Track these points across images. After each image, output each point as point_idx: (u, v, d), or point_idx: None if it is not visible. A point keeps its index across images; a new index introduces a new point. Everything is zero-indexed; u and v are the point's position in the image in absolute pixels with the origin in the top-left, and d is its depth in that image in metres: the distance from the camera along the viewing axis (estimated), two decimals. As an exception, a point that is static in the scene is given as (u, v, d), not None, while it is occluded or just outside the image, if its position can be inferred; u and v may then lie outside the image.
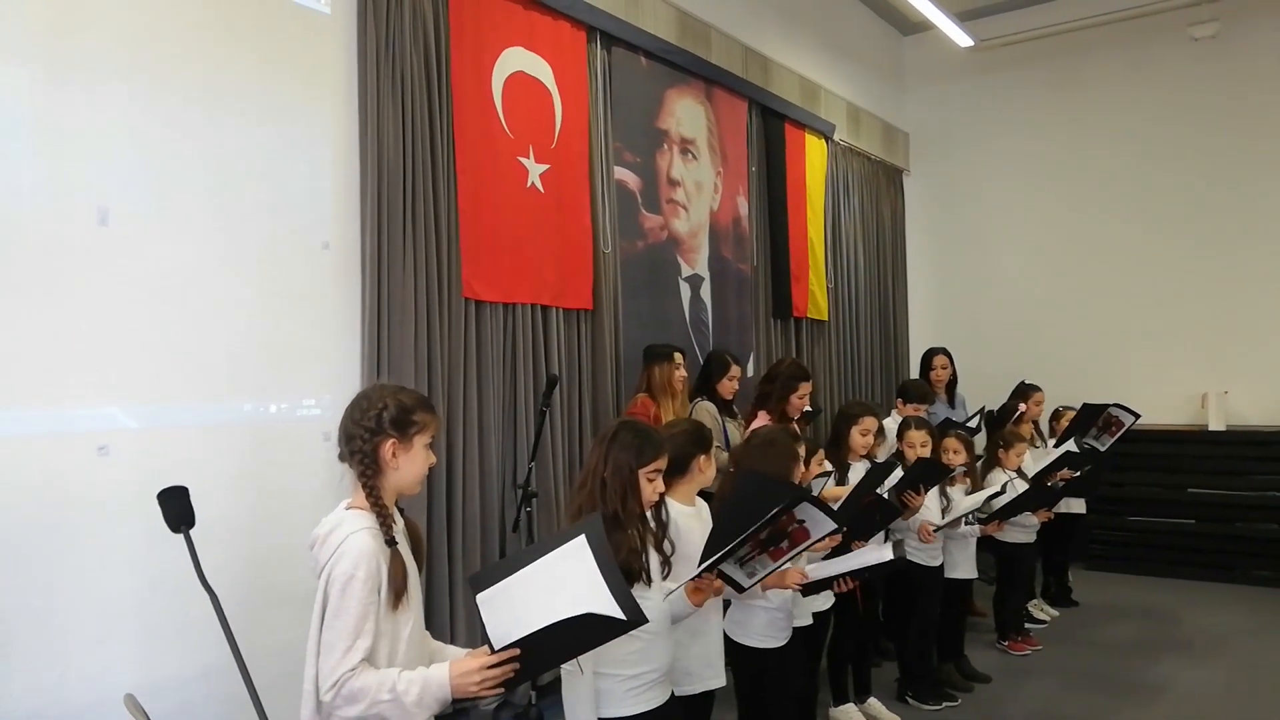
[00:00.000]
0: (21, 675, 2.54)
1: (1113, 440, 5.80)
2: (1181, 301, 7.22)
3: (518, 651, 1.80)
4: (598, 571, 1.78)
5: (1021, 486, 4.69)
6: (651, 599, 2.32)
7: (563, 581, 1.80)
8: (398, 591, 1.89)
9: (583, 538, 1.82)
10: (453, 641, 3.27)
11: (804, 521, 2.46)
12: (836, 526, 2.50)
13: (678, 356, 4.50)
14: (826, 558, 3.08)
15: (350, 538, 1.86)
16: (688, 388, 4.63)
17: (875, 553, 2.96)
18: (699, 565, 2.35)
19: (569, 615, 1.75)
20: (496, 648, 1.82)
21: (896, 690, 4.33)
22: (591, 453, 2.46)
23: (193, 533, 2.01)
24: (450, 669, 1.82)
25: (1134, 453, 6.07)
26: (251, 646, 2.14)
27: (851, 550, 3.16)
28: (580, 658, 1.97)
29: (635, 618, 1.76)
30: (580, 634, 1.80)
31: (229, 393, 3.11)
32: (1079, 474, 5.10)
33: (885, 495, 3.88)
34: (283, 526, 3.15)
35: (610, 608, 1.75)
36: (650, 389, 4.44)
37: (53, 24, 2.68)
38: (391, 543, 1.90)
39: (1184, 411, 7.12)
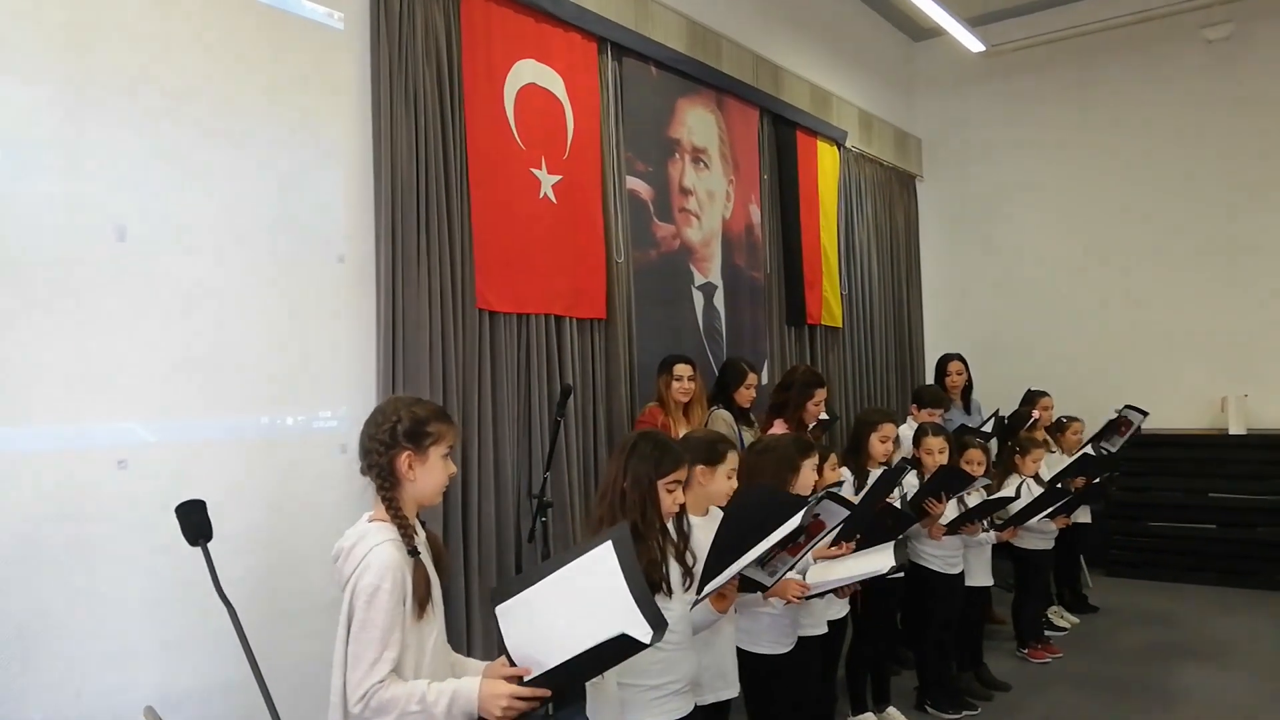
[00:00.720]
0: (41, 688, 2.55)
1: (1123, 440, 5.77)
2: (1199, 304, 7.16)
3: (548, 692, 1.81)
4: (623, 581, 1.78)
5: (1037, 492, 4.66)
6: (673, 610, 2.32)
7: (585, 594, 1.80)
8: (421, 601, 1.91)
9: (609, 544, 1.81)
10: (469, 652, 3.28)
11: (819, 515, 2.46)
12: (850, 514, 2.49)
13: (679, 368, 4.39)
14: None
15: (374, 550, 1.88)
16: (702, 397, 4.57)
17: (876, 560, 2.94)
18: (717, 575, 2.34)
19: (595, 643, 1.74)
20: (516, 661, 1.84)
21: (915, 699, 4.30)
22: (610, 464, 2.46)
23: (211, 545, 2.02)
24: (480, 687, 1.83)
25: (1154, 457, 6.03)
26: (269, 659, 2.14)
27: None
28: None
29: (659, 628, 1.75)
30: (606, 654, 1.79)
31: (246, 406, 3.13)
32: (1095, 480, 5.08)
33: (900, 505, 3.86)
34: (300, 539, 3.17)
35: (637, 627, 1.74)
36: (660, 399, 4.44)
37: (71, 43, 2.72)
38: (414, 553, 1.92)
39: (1204, 415, 7.06)
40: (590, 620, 1.77)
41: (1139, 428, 5.90)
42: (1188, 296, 7.20)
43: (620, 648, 1.78)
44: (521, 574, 1.93)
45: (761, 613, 2.94)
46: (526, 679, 1.82)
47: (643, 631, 1.73)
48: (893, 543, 3.00)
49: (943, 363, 6.18)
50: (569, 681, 1.85)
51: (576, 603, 1.80)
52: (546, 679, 1.81)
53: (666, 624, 1.79)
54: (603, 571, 1.79)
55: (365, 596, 1.84)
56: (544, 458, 3.96)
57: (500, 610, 1.86)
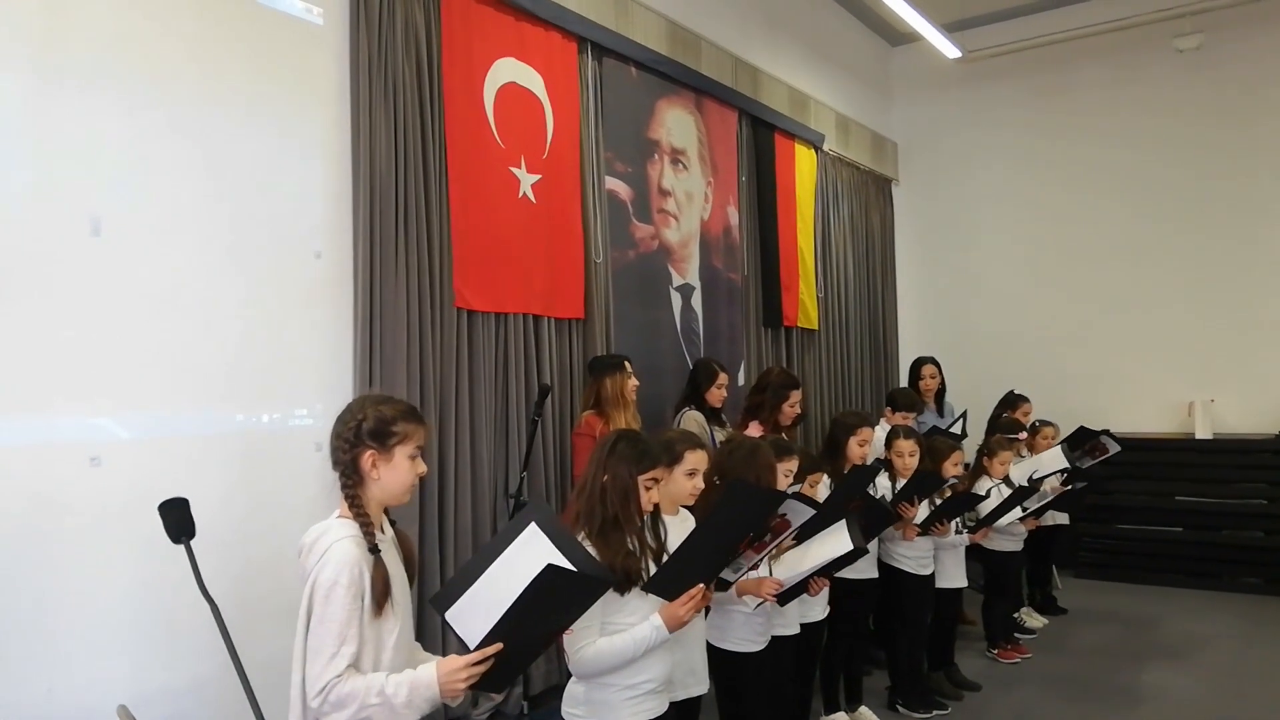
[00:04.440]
0: (12, 686, 2.52)
1: (1094, 462, 5.87)
2: (1168, 310, 7.27)
3: (500, 646, 1.83)
4: (553, 547, 1.84)
5: (1007, 494, 4.71)
6: (645, 609, 2.33)
7: (523, 567, 1.83)
8: (379, 599, 1.91)
9: (533, 525, 1.87)
10: (444, 653, 3.27)
11: (784, 514, 2.48)
12: (816, 513, 2.52)
13: (628, 365, 4.27)
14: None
15: (334, 545, 1.88)
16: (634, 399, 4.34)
17: (834, 543, 2.94)
18: (687, 575, 2.35)
19: (529, 582, 1.76)
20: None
21: (887, 699, 4.34)
22: (588, 463, 2.46)
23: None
24: (437, 668, 1.86)
25: (1122, 461, 6.10)
26: (244, 656, 2.14)
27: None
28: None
29: (598, 572, 1.81)
30: (553, 604, 1.83)
31: (221, 402, 3.11)
32: (1069, 488, 5.15)
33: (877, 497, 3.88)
34: (274, 536, 3.14)
35: (563, 561, 1.80)
36: (599, 404, 4.14)
37: (45, 32, 2.69)
38: (374, 550, 1.91)
39: (1171, 420, 7.17)
40: (524, 576, 1.80)
41: (1110, 457, 6.01)
42: (1157, 303, 7.31)
43: (568, 599, 1.82)
44: (457, 575, 1.94)
45: (734, 611, 2.96)
46: (476, 645, 1.84)
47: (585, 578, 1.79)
48: (844, 522, 2.98)
49: (916, 366, 6.24)
50: (524, 640, 1.88)
51: (516, 577, 1.82)
52: (494, 635, 1.83)
53: (612, 578, 1.81)
54: (537, 549, 1.84)
55: (323, 591, 1.85)
56: (521, 457, 3.97)
57: (450, 615, 1.87)
